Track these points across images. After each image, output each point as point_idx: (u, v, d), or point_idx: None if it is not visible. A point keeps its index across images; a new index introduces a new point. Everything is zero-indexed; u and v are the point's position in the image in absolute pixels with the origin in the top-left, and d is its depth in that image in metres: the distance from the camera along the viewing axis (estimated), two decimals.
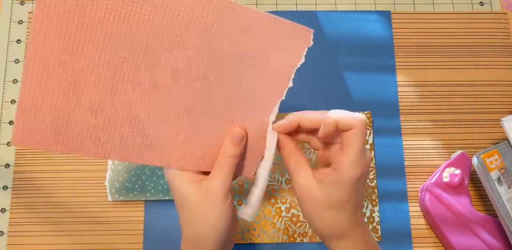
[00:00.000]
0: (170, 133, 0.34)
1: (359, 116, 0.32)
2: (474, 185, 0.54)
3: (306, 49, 0.35)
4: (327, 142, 0.35)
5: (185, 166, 0.35)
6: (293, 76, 0.35)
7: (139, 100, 0.33)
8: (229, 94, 0.34)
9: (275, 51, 0.34)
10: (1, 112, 0.55)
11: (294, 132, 0.36)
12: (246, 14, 0.33)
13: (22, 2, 0.58)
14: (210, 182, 0.34)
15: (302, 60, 0.35)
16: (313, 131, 0.36)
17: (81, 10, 0.29)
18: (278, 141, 0.36)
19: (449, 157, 0.55)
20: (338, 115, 0.32)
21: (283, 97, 0.36)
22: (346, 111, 0.33)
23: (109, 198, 0.52)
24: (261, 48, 0.34)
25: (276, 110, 0.36)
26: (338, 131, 0.33)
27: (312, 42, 0.35)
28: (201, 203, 0.34)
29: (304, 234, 0.52)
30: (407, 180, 0.54)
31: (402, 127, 0.56)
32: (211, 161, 0.36)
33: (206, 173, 0.36)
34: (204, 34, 0.32)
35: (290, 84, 0.36)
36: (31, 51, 0.29)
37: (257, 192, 0.36)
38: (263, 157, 0.36)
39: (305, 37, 0.35)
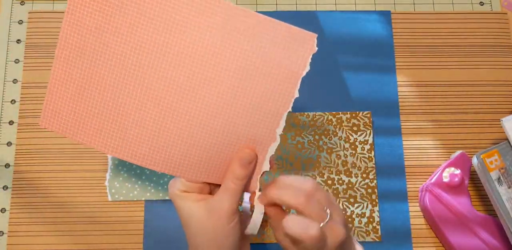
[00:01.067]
0: (175, 144, 0.34)
1: (311, 233, 0.30)
2: (474, 185, 0.54)
3: (310, 56, 0.32)
4: None
5: (188, 176, 0.35)
6: (299, 86, 0.33)
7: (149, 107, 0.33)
8: (234, 106, 0.33)
9: (278, 59, 0.32)
10: (1, 112, 0.55)
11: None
12: (248, 18, 0.30)
13: (22, 2, 0.58)
14: (216, 202, 0.34)
15: (307, 68, 0.32)
16: None
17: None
18: (265, 208, 0.35)
19: (449, 157, 0.55)
20: (292, 228, 0.31)
21: (290, 109, 0.34)
22: (303, 218, 0.31)
23: (109, 198, 0.52)
24: (263, 56, 0.32)
25: (283, 123, 0.34)
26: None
27: (316, 48, 0.32)
28: (205, 222, 0.34)
29: None
30: (407, 180, 0.54)
31: (402, 127, 0.56)
32: (215, 173, 0.35)
33: (211, 186, 0.37)
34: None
35: (296, 94, 0.33)
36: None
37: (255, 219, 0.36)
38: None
39: (309, 43, 0.32)
